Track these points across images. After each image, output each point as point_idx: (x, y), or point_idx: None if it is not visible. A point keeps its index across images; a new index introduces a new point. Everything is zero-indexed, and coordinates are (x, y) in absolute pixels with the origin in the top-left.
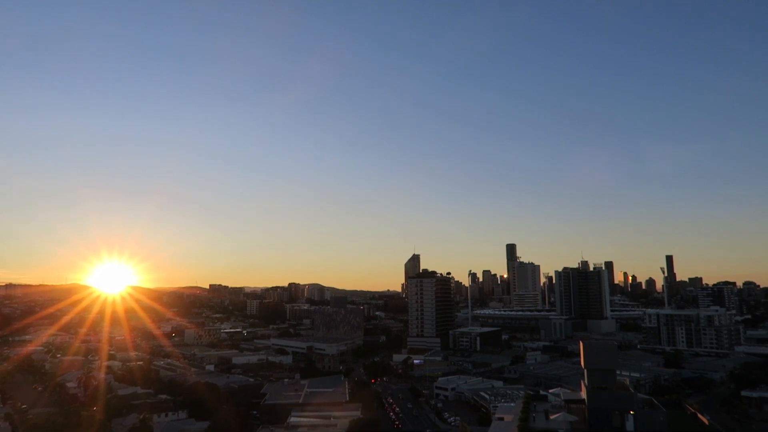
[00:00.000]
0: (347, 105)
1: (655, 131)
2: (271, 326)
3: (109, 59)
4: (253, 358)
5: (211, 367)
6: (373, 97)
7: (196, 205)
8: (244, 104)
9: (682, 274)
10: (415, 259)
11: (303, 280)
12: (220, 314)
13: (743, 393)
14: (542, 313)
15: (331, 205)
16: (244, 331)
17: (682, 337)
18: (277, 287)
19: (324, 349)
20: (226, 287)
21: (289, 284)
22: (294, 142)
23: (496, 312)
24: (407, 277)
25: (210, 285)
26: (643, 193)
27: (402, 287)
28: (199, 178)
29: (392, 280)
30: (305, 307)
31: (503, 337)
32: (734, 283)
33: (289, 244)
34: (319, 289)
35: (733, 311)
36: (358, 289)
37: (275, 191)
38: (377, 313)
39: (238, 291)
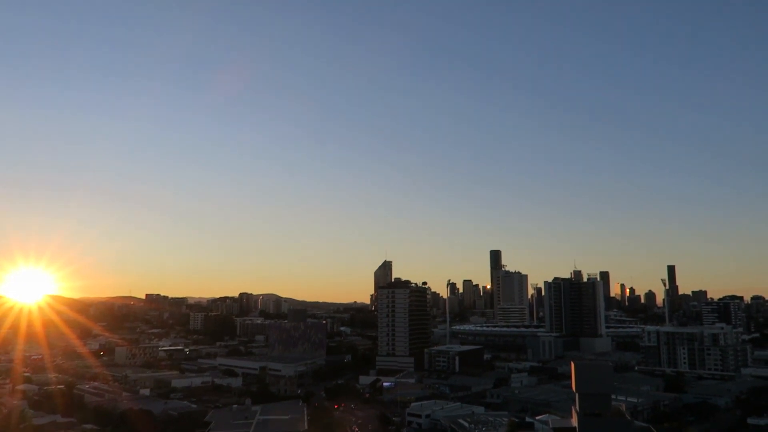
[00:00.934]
0: (307, 90)
1: (656, 130)
2: (218, 343)
3: (23, 43)
4: (196, 381)
5: (146, 392)
6: (337, 81)
7: (129, 204)
8: (186, 88)
9: (684, 287)
10: (386, 267)
11: (256, 290)
12: (157, 329)
13: (750, 420)
14: (529, 329)
15: (289, 204)
16: (186, 349)
17: (684, 358)
18: (225, 298)
19: (280, 370)
20: (165, 297)
21: (240, 294)
22: (245, 132)
23: (478, 328)
24: (377, 287)
25: (146, 295)
26: (643, 197)
27: (371, 299)
28: (132, 173)
29: (360, 291)
30: (258, 322)
31: (485, 356)
32: (741, 298)
33: (241, 248)
34: (275, 300)
35: (740, 329)
36: (320, 300)
37: (224, 188)
38: (342, 328)
39: (179, 302)
